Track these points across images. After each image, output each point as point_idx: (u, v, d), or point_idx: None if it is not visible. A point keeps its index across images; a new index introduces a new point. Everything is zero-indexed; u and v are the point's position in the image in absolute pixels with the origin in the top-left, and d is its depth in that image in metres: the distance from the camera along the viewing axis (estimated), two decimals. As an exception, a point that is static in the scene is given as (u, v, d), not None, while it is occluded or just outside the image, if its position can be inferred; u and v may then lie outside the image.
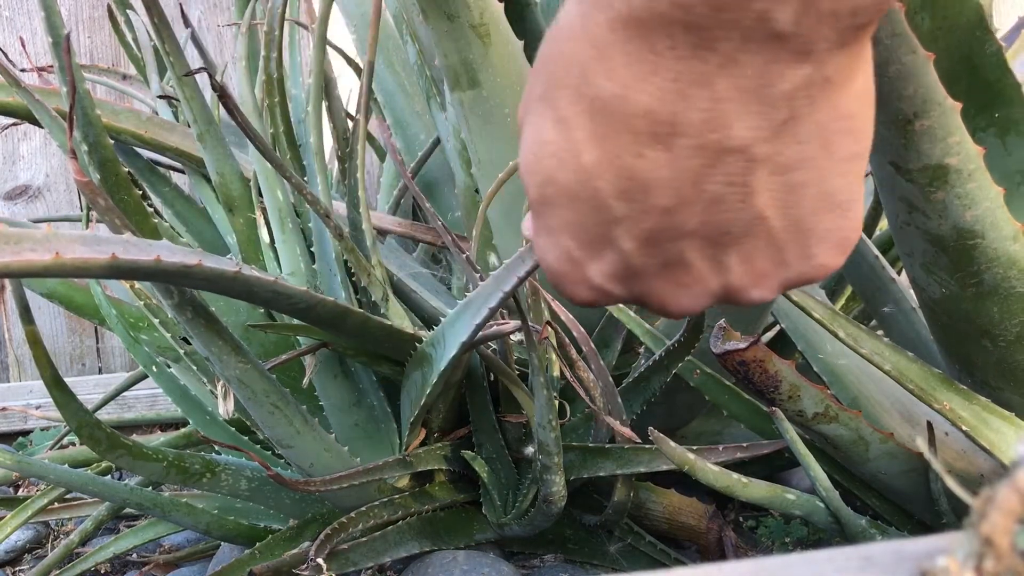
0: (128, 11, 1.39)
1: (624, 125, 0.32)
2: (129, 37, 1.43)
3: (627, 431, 0.76)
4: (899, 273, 0.82)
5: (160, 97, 1.09)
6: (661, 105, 0.31)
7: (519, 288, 0.90)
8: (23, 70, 1.39)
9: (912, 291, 0.76)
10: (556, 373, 0.84)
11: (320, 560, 0.77)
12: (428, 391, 0.79)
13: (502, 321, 0.74)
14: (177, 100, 0.89)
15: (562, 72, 0.33)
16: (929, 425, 0.67)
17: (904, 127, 0.50)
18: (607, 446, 0.82)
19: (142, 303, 0.89)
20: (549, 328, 0.76)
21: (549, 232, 0.37)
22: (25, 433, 1.65)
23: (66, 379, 0.82)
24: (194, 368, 0.94)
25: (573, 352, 0.79)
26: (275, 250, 0.96)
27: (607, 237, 0.35)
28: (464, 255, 0.80)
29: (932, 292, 0.60)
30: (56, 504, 1.07)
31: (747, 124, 0.31)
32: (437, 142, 1.12)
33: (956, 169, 0.51)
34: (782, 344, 0.89)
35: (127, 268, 0.54)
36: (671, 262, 0.35)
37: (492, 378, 0.88)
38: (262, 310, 0.96)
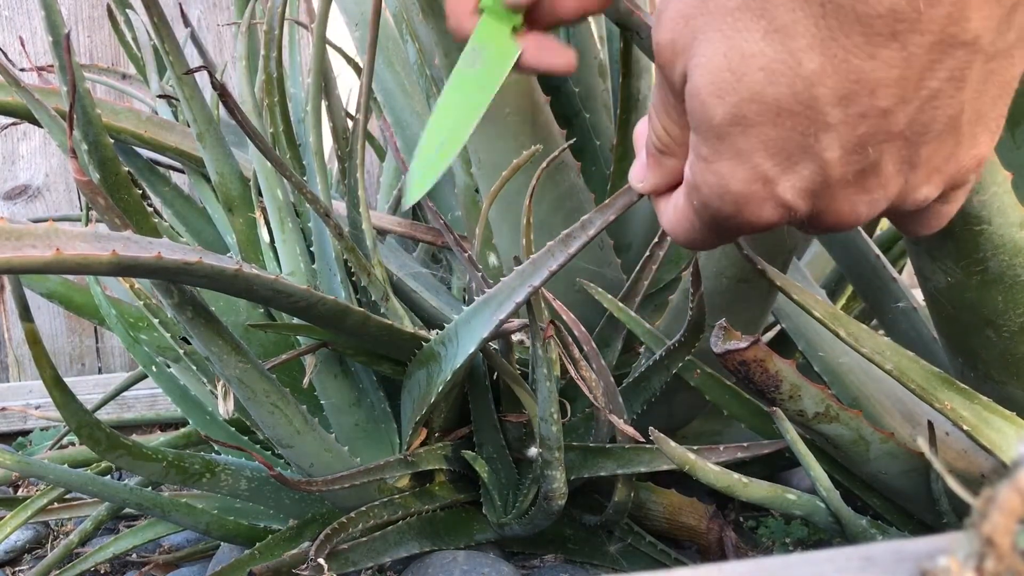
0: (128, 10, 1.39)
1: (859, 26, 0.31)
2: (129, 36, 1.43)
3: (629, 429, 0.76)
4: (900, 272, 0.82)
5: (160, 96, 1.09)
6: (909, 3, 0.30)
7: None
8: (23, 70, 1.39)
9: (913, 291, 0.76)
10: (557, 373, 0.84)
11: (320, 560, 0.77)
12: (438, 390, 0.78)
13: (506, 319, 0.74)
14: (177, 100, 0.88)
15: None
16: (930, 425, 0.67)
17: None
18: (607, 446, 0.82)
19: (142, 303, 0.89)
20: (553, 326, 0.76)
21: (737, 154, 0.35)
22: (25, 433, 1.65)
23: (66, 379, 0.82)
24: (194, 368, 0.94)
25: (576, 351, 0.79)
26: (275, 250, 0.96)
27: (810, 148, 0.34)
28: (467, 254, 0.80)
29: (937, 281, 0.59)
30: (56, 504, 1.07)
31: (983, 14, 0.31)
32: (437, 142, 1.12)
33: None
34: (783, 344, 0.89)
35: (128, 264, 0.54)
36: (867, 168, 0.35)
37: (493, 377, 0.88)
38: (262, 310, 0.96)
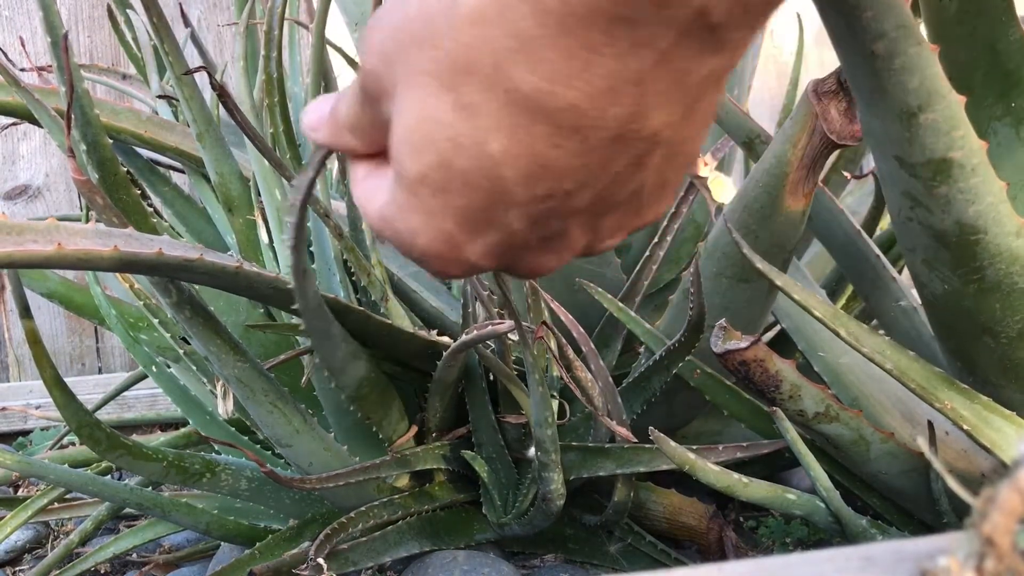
0: (128, 11, 1.39)
1: (544, 118, 0.32)
2: (129, 37, 1.44)
3: (625, 431, 0.76)
4: (900, 272, 0.82)
5: (160, 97, 1.09)
6: (590, 102, 0.31)
7: (516, 289, 0.90)
8: (23, 70, 1.39)
9: (913, 290, 0.76)
10: (556, 373, 0.84)
11: (320, 560, 0.77)
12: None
13: (497, 321, 0.74)
14: (176, 100, 0.88)
15: (464, 56, 0.32)
16: (930, 424, 0.67)
17: (909, 120, 0.50)
18: (607, 446, 0.82)
19: (142, 303, 0.89)
20: (545, 328, 0.76)
21: (428, 213, 0.35)
22: (25, 433, 1.65)
23: (66, 379, 0.82)
24: (194, 368, 0.94)
25: (571, 352, 0.79)
26: (274, 250, 0.96)
27: (496, 220, 0.35)
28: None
29: (934, 288, 0.59)
30: (56, 504, 1.07)
31: (664, 112, 0.32)
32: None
33: (960, 163, 0.51)
34: (783, 344, 0.89)
35: (130, 260, 0.54)
36: (552, 235, 0.36)
37: (491, 378, 0.88)
38: (262, 310, 0.96)
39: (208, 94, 0.97)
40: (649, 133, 0.33)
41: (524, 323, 0.75)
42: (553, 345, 0.80)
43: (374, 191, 0.39)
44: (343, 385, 0.80)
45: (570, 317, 0.79)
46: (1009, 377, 0.61)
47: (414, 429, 0.88)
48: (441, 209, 0.35)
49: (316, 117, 0.41)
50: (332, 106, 0.41)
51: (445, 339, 0.84)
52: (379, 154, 0.39)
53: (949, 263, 0.56)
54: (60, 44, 0.72)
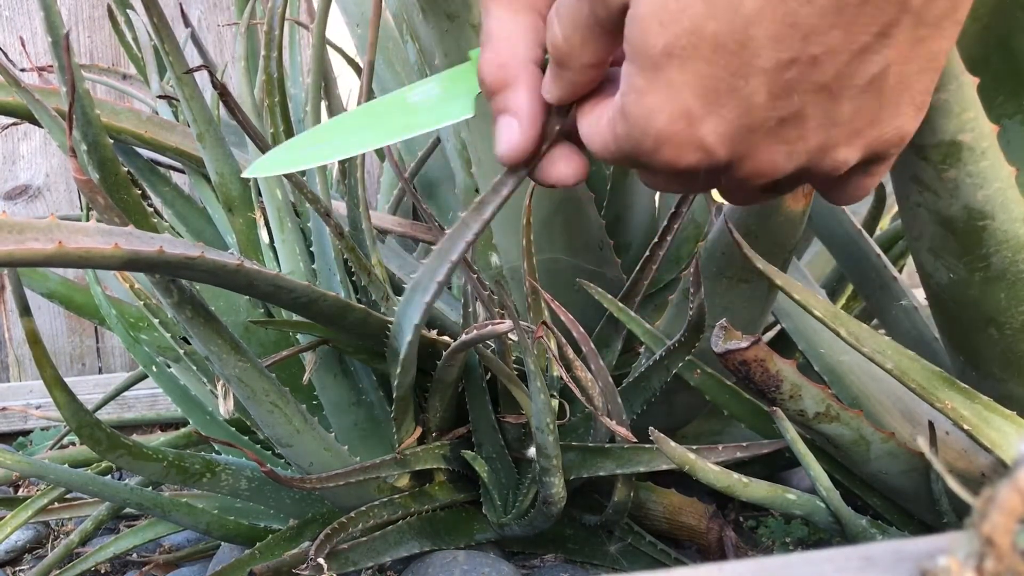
0: (128, 11, 1.39)
1: None
2: (129, 37, 1.44)
3: (625, 431, 0.76)
4: (900, 272, 0.82)
5: (160, 97, 1.09)
6: None
7: (516, 288, 0.90)
8: (23, 70, 1.39)
9: (914, 290, 0.76)
10: (556, 373, 0.84)
11: (320, 560, 0.77)
12: (396, 383, 0.78)
13: (497, 321, 0.74)
14: (177, 100, 0.88)
15: None
16: (930, 424, 0.67)
17: None
18: (607, 446, 0.82)
19: (142, 303, 0.89)
20: (545, 328, 0.76)
21: (669, 88, 0.35)
22: (25, 433, 1.65)
23: (66, 379, 0.82)
24: (194, 368, 0.94)
25: (571, 352, 0.79)
26: (274, 250, 0.96)
27: (738, 90, 0.34)
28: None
29: (939, 278, 0.59)
30: (56, 504, 1.07)
31: None
32: (437, 142, 1.12)
33: (969, 147, 0.51)
34: (783, 343, 0.89)
35: (131, 258, 0.54)
36: (790, 117, 0.35)
37: (491, 377, 0.88)
38: (262, 309, 0.96)
39: (208, 94, 0.97)
40: None
41: (524, 323, 0.75)
42: (553, 345, 0.80)
43: (598, 115, 0.40)
44: (402, 384, 0.80)
45: (570, 316, 0.79)
46: (1012, 371, 0.61)
47: (419, 430, 0.89)
48: (684, 81, 0.35)
49: (545, 79, 0.41)
50: (527, 71, 0.41)
51: (445, 338, 0.84)
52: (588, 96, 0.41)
53: (955, 251, 0.56)
54: (61, 44, 0.72)
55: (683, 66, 0.34)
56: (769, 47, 0.33)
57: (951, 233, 0.55)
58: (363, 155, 0.86)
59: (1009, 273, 0.55)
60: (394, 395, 0.81)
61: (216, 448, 1.01)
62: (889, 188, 1.11)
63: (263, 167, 0.48)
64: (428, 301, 0.66)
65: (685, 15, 0.34)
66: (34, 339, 0.80)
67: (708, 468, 0.68)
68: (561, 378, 0.81)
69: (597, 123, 0.40)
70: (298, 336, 0.90)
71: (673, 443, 0.67)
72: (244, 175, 0.51)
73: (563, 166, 0.43)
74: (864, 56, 0.34)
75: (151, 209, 0.98)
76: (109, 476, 1.13)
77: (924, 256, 0.59)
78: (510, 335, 0.81)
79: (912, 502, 0.73)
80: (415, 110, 0.47)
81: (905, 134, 0.38)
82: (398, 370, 0.78)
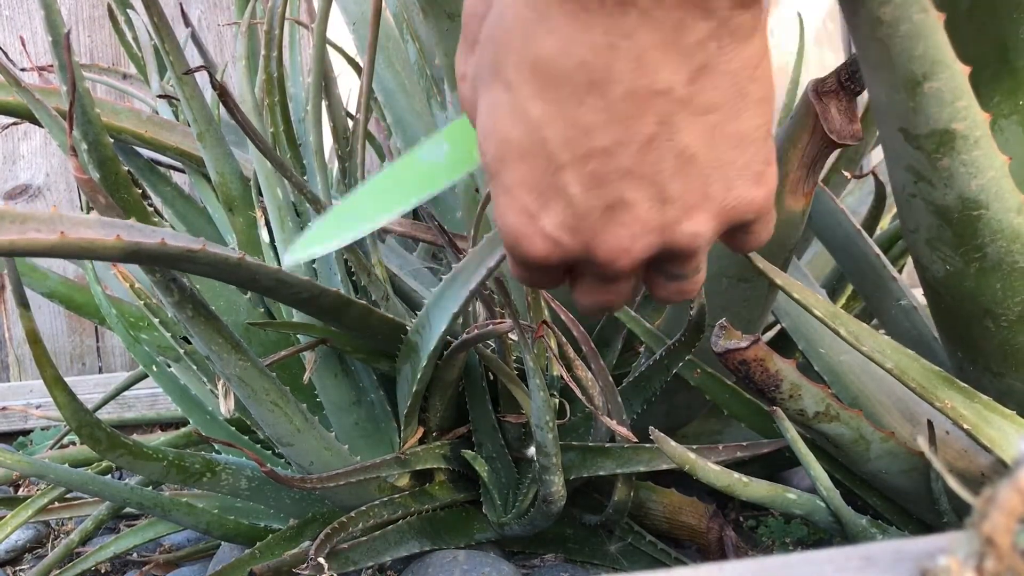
0: (128, 10, 1.39)
1: (565, 78, 0.37)
2: (129, 36, 1.43)
3: (625, 431, 0.76)
4: (900, 271, 0.82)
5: (160, 96, 1.09)
6: (596, 57, 0.36)
7: (516, 288, 0.90)
8: (23, 69, 1.39)
9: (913, 289, 0.76)
10: (556, 372, 0.84)
11: (320, 559, 0.77)
12: (419, 377, 0.78)
13: (497, 320, 0.74)
14: (177, 99, 0.88)
15: (505, 38, 0.38)
16: (930, 424, 0.67)
17: (913, 89, 0.50)
18: (607, 445, 0.82)
19: (142, 302, 0.89)
20: (546, 327, 0.76)
21: (506, 191, 0.40)
22: (25, 432, 1.65)
23: (66, 378, 0.82)
24: (194, 367, 0.94)
25: (571, 352, 0.79)
26: (275, 249, 0.96)
27: (556, 185, 0.38)
28: (462, 255, 0.80)
29: (936, 270, 0.59)
30: (56, 504, 1.07)
31: (669, 70, 0.36)
32: (437, 141, 1.12)
33: (963, 135, 0.51)
34: (783, 343, 0.89)
35: (132, 250, 0.53)
36: (614, 203, 0.39)
37: (491, 377, 0.88)
38: (262, 309, 0.96)
39: (208, 94, 0.97)
40: (661, 88, 0.36)
41: (524, 322, 0.75)
42: (553, 344, 0.80)
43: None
44: (423, 379, 0.81)
45: (570, 316, 0.79)
46: (1010, 364, 0.61)
47: (421, 430, 0.89)
48: (513, 182, 0.39)
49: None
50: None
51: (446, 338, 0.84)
52: None
53: (951, 242, 0.56)
54: (62, 43, 0.72)
55: (508, 171, 0.39)
56: (563, 145, 0.37)
57: (946, 224, 0.55)
58: (363, 154, 0.86)
59: (1004, 263, 0.55)
60: (411, 390, 0.81)
61: (216, 448, 1.01)
62: (889, 188, 1.11)
63: (307, 245, 0.50)
64: (472, 289, 0.66)
65: (496, 130, 0.39)
66: (34, 339, 0.80)
67: (708, 468, 0.68)
68: (561, 377, 0.81)
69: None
70: (298, 335, 0.90)
71: (673, 443, 0.67)
72: (286, 262, 0.52)
73: None
74: (656, 143, 0.37)
75: (151, 209, 0.98)
76: (109, 476, 1.13)
77: (921, 248, 0.59)
78: (510, 334, 0.81)
79: (912, 502, 0.73)
80: (430, 170, 0.49)
81: (754, 201, 0.40)
82: (422, 363, 0.77)
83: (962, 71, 0.49)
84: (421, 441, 0.90)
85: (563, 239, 0.40)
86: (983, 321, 0.59)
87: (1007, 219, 0.54)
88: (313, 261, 0.95)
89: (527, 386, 0.82)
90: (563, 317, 0.79)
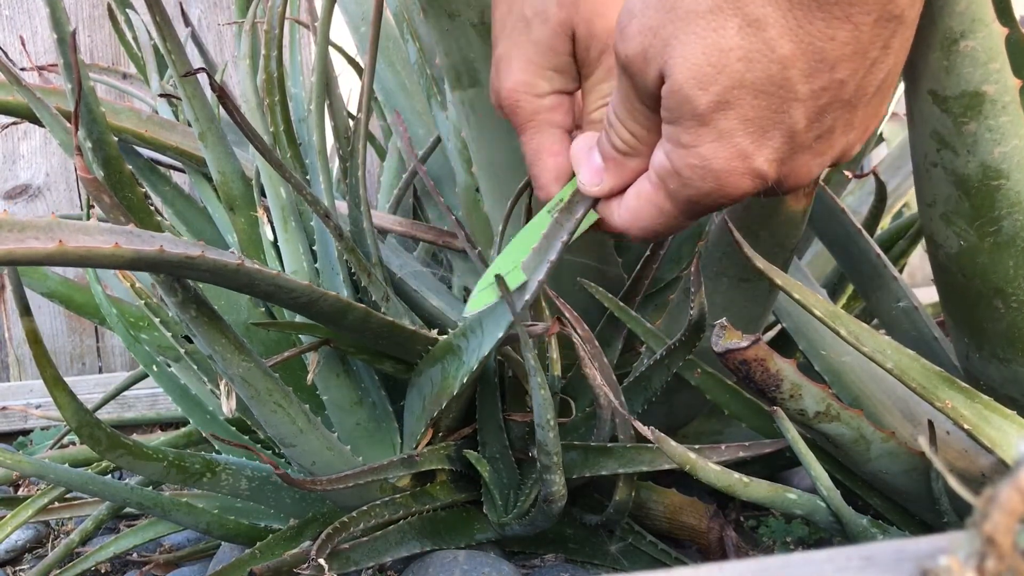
0: (128, 10, 1.39)
1: (821, 12, 0.38)
2: (129, 36, 1.44)
3: (639, 425, 0.76)
4: (900, 272, 0.82)
5: (161, 96, 1.09)
6: None
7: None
8: (23, 69, 1.39)
9: (915, 289, 0.76)
10: (557, 372, 0.84)
11: (321, 560, 0.77)
12: (461, 383, 0.77)
13: (533, 323, 0.74)
14: (178, 99, 0.88)
15: None
16: (930, 424, 0.67)
17: (949, 47, 0.50)
18: (608, 445, 0.82)
19: (142, 302, 0.89)
20: (559, 322, 0.76)
21: (719, 136, 0.41)
22: (25, 432, 1.65)
23: (66, 378, 0.82)
24: (194, 367, 0.94)
25: (580, 350, 0.79)
26: (277, 248, 0.96)
27: (781, 122, 0.40)
28: (477, 250, 0.80)
29: (949, 247, 0.59)
30: (56, 503, 1.07)
31: None
32: (438, 141, 1.12)
33: (992, 99, 0.51)
34: (783, 343, 0.89)
35: (131, 258, 0.54)
36: (823, 133, 0.42)
37: (499, 377, 0.88)
38: (263, 308, 0.96)
39: (209, 93, 0.97)
40: (900, 11, 0.39)
41: (526, 321, 0.75)
42: (555, 343, 0.80)
43: (635, 193, 0.48)
44: (468, 383, 0.81)
45: (575, 314, 0.79)
46: (1017, 349, 0.61)
47: (431, 431, 0.88)
48: (733, 127, 0.40)
49: (590, 175, 0.50)
50: (599, 146, 0.50)
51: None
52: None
53: (968, 214, 0.56)
54: (67, 41, 0.72)
55: (729, 114, 0.40)
56: (804, 82, 0.39)
57: (965, 195, 0.55)
58: (364, 154, 0.86)
59: (1019, 238, 0.56)
60: (436, 392, 0.80)
61: (216, 448, 1.01)
62: (890, 188, 1.11)
63: (478, 302, 0.60)
64: (527, 298, 0.65)
65: (724, 74, 0.39)
66: (34, 338, 0.80)
67: (709, 468, 0.68)
68: (562, 378, 0.81)
69: (636, 199, 0.48)
70: (300, 336, 0.90)
71: (674, 443, 0.67)
72: (466, 312, 0.61)
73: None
74: (874, 68, 0.41)
75: (152, 208, 0.98)
76: (109, 476, 1.13)
77: (936, 224, 0.59)
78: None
79: (912, 502, 0.73)
80: (557, 225, 0.55)
81: (882, 118, 0.45)
82: (470, 368, 0.76)
83: (999, 32, 0.49)
84: (428, 442, 0.90)
85: (769, 173, 0.42)
86: (993, 301, 0.59)
87: None
88: (316, 262, 0.95)
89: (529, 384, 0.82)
90: (567, 315, 0.79)
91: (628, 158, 0.48)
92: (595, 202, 0.52)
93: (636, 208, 0.48)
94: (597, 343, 0.79)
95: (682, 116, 0.41)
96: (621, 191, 0.50)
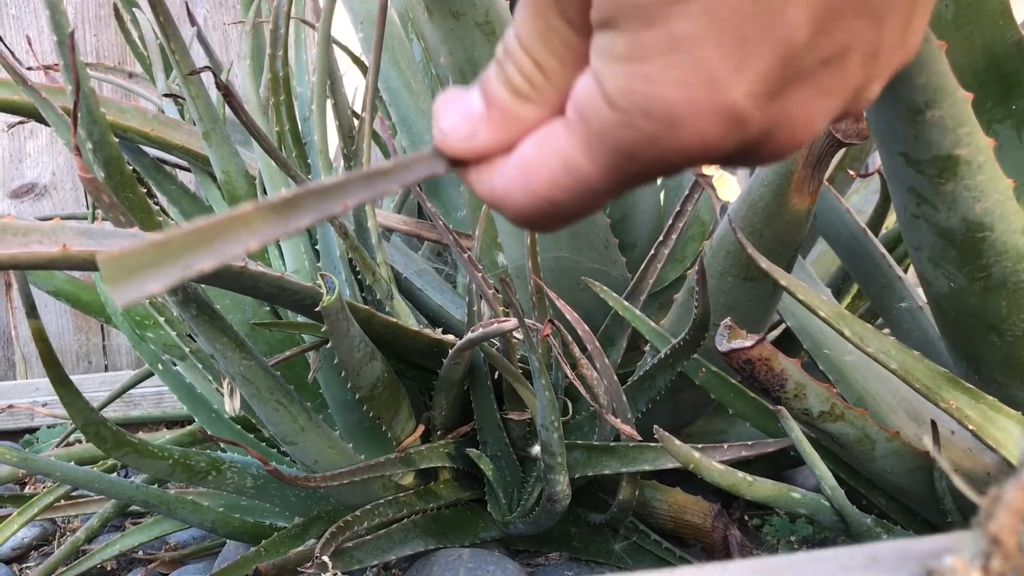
0: (134, 9, 1.39)
1: None
2: (135, 35, 1.44)
3: (630, 429, 0.76)
4: (906, 271, 0.82)
5: (166, 95, 1.09)
6: None
7: (521, 287, 0.90)
8: (29, 68, 1.39)
9: (918, 289, 0.76)
10: (561, 371, 0.84)
11: (325, 558, 0.77)
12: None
13: (501, 319, 0.74)
14: (183, 98, 0.89)
15: None
16: (934, 423, 0.66)
17: (915, 117, 0.50)
18: (612, 444, 0.82)
19: (147, 301, 0.89)
20: (551, 326, 0.76)
21: (674, 46, 0.26)
22: (31, 430, 1.66)
23: (72, 377, 0.82)
24: (199, 366, 0.94)
25: (577, 350, 0.79)
26: (279, 248, 0.96)
27: (772, 29, 0.26)
28: (466, 254, 0.80)
29: (940, 287, 0.59)
30: (62, 501, 1.07)
31: None
32: (442, 140, 1.12)
33: (966, 160, 0.51)
34: (788, 342, 0.89)
35: None
36: (833, 55, 0.27)
37: (496, 376, 0.88)
38: (268, 308, 0.96)
39: (214, 92, 0.97)
40: None
41: (529, 321, 0.75)
42: (558, 343, 0.80)
43: (539, 140, 0.30)
44: (358, 385, 0.80)
45: (575, 315, 0.79)
46: (1015, 375, 0.61)
47: (421, 428, 0.89)
48: (697, 30, 0.26)
49: (457, 123, 0.32)
50: (482, 84, 0.31)
51: (450, 337, 0.84)
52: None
53: (955, 261, 0.56)
54: (67, 43, 0.73)
55: (692, 12, 0.25)
56: None
57: (950, 244, 0.56)
58: (368, 153, 0.86)
59: (1010, 283, 0.56)
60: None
61: (221, 446, 1.01)
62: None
63: None
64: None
65: None
66: (40, 337, 0.80)
67: (713, 467, 0.68)
68: (566, 376, 0.81)
69: (538, 148, 0.30)
70: (303, 335, 0.90)
71: (678, 441, 0.67)
72: None
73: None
74: None
75: (157, 207, 0.98)
76: (115, 474, 1.14)
77: (924, 265, 0.60)
78: (515, 333, 0.81)
79: (917, 501, 0.73)
80: None
81: (916, 50, 0.30)
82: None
83: (964, 98, 0.49)
84: (426, 440, 0.90)
85: (753, 115, 0.27)
86: (988, 336, 0.60)
87: (1012, 240, 0.54)
88: (318, 260, 0.96)
89: (531, 384, 0.82)
90: (568, 316, 0.79)
91: (524, 103, 0.30)
92: (452, 162, 0.32)
93: (531, 164, 0.30)
94: (598, 343, 0.79)
95: (620, 12, 0.26)
96: (501, 152, 0.31)
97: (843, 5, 0.26)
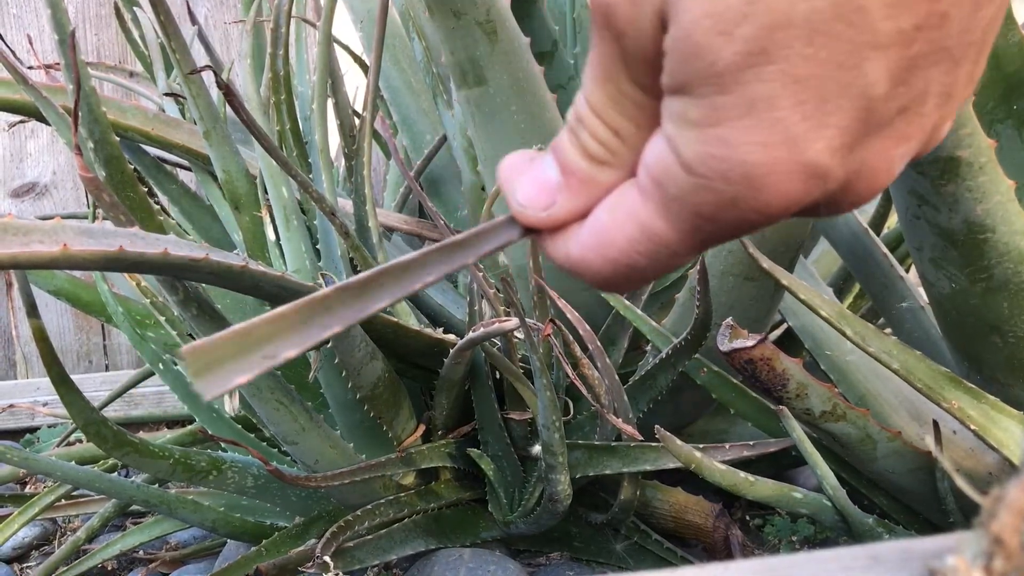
0: (135, 9, 1.39)
1: None
2: (136, 35, 1.44)
3: (631, 429, 0.76)
4: (907, 270, 0.82)
5: (166, 95, 1.09)
6: None
7: (522, 288, 0.90)
8: (30, 67, 1.39)
9: (920, 288, 0.76)
10: (562, 371, 0.84)
11: (326, 558, 0.77)
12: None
13: (503, 319, 0.74)
14: (183, 98, 0.89)
15: None
16: (935, 424, 0.66)
17: None
18: (613, 444, 0.82)
19: (148, 301, 0.89)
20: (553, 325, 0.76)
21: (751, 109, 0.26)
22: (32, 430, 1.66)
23: (73, 376, 0.82)
24: (200, 365, 0.94)
25: (578, 350, 0.79)
26: (280, 247, 0.96)
27: (851, 84, 0.26)
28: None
29: (941, 287, 0.59)
30: (63, 501, 1.07)
31: None
32: (443, 140, 1.12)
33: (967, 162, 0.51)
34: (789, 342, 0.89)
35: (135, 261, 0.54)
36: (911, 102, 0.27)
37: (497, 376, 0.88)
38: (268, 307, 0.96)
39: (215, 92, 0.97)
40: None
41: (530, 321, 0.75)
42: (559, 343, 0.80)
43: (613, 205, 0.30)
44: (359, 385, 0.80)
45: (576, 315, 0.79)
46: (1016, 376, 0.61)
47: (422, 428, 0.88)
48: (774, 93, 0.26)
49: (534, 194, 0.32)
50: (556, 153, 0.31)
51: (451, 336, 0.84)
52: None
53: (957, 262, 0.56)
54: (67, 42, 0.73)
55: (768, 73, 0.25)
56: (886, 15, 0.25)
57: (952, 245, 0.55)
58: (369, 152, 0.86)
59: (1011, 284, 0.56)
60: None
61: (222, 446, 1.01)
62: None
63: None
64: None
65: (759, 6, 0.25)
66: (41, 336, 0.80)
67: (714, 467, 0.68)
68: (567, 376, 0.81)
69: (611, 215, 0.30)
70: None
71: (679, 441, 0.67)
72: None
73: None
74: (981, 5, 0.26)
75: (158, 207, 0.98)
76: (115, 473, 1.14)
77: (925, 266, 0.60)
78: (516, 333, 0.81)
79: (918, 501, 0.73)
80: None
81: (975, 85, 0.30)
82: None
83: (966, 99, 0.49)
84: (427, 440, 0.90)
85: (834, 170, 0.27)
86: (990, 336, 0.60)
87: (1014, 242, 0.54)
88: (319, 259, 0.96)
89: (533, 384, 0.82)
90: (568, 316, 0.79)
91: (602, 169, 0.30)
92: (529, 231, 0.32)
93: (607, 230, 0.30)
94: (600, 343, 0.79)
95: (693, 79, 0.26)
96: (579, 219, 0.31)
97: (921, 55, 0.26)
